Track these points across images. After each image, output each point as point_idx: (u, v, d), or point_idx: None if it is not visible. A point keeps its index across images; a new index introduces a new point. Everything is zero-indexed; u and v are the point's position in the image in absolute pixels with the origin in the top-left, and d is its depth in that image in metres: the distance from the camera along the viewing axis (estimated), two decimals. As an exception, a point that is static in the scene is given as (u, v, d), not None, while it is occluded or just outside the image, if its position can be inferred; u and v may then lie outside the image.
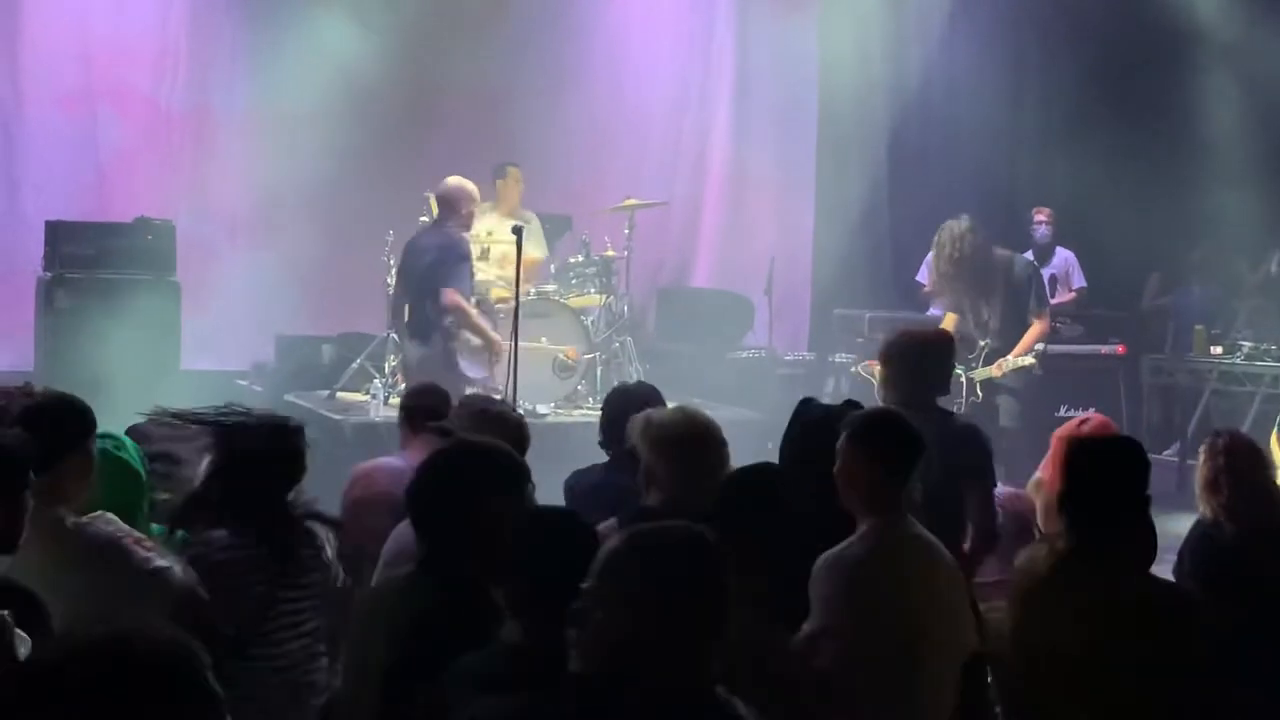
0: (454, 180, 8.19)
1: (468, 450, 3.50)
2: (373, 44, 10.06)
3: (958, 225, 7.81)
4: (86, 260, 8.67)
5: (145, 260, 8.77)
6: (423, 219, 9.11)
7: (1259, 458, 4.66)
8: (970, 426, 5.10)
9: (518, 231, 7.85)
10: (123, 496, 3.94)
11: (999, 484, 5.00)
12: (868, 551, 3.76)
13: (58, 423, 3.66)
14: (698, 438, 4.16)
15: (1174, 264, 11.05)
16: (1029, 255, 10.38)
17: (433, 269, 8.06)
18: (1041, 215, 10.56)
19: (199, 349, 9.23)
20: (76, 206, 9.52)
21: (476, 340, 8.12)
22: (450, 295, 8.02)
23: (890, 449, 3.88)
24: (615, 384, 6.08)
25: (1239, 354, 9.56)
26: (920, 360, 5.06)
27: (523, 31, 10.81)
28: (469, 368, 8.12)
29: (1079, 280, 10.60)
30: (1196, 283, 10.86)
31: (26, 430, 3.49)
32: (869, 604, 3.70)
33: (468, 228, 8.30)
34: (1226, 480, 4.53)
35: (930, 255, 8.08)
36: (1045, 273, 10.44)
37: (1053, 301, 10.33)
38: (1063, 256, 10.61)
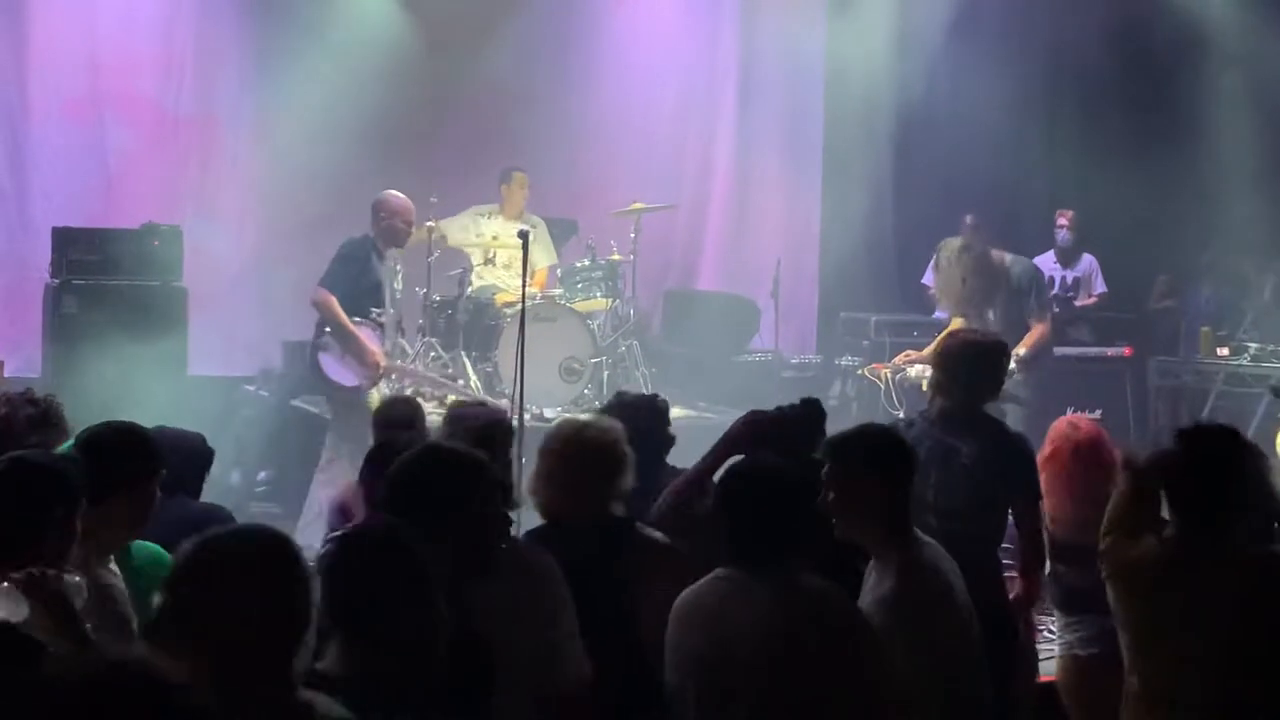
0: (384, 193, 8.30)
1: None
2: (379, 50, 10.07)
3: (955, 242, 7.88)
4: (94, 266, 8.67)
5: (153, 266, 8.77)
6: (428, 224, 9.17)
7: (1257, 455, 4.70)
8: (1017, 438, 5.05)
9: (523, 235, 7.84)
10: None
11: None
12: (907, 585, 3.77)
13: (112, 457, 3.58)
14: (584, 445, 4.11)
15: (1182, 266, 11.04)
16: (1051, 257, 10.40)
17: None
18: (1063, 219, 10.56)
19: (206, 354, 9.25)
20: (84, 212, 9.54)
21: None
22: (316, 292, 8.05)
23: (882, 458, 3.89)
24: (619, 390, 5.98)
25: (1245, 355, 9.56)
26: (966, 366, 5.03)
27: (529, 37, 10.82)
28: (340, 374, 7.99)
29: (1100, 286, 10.60)
30: (1206, 284, 10.85)
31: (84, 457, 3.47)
32: (922, 636, 3.74)
33: (390, 242, 8.27)
34: None
35: (933, 263, 8.10)
36: (1069, 275, 10.44)
37: (1076, 304, 10.35)
38: (1088, 260, 10.61)
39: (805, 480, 3.74)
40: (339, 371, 8.00)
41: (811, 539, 3.66)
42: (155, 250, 8.80)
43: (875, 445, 3.94)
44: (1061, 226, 10.56)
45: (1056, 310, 10.07)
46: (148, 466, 3.66)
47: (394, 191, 8.30)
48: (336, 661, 2.79)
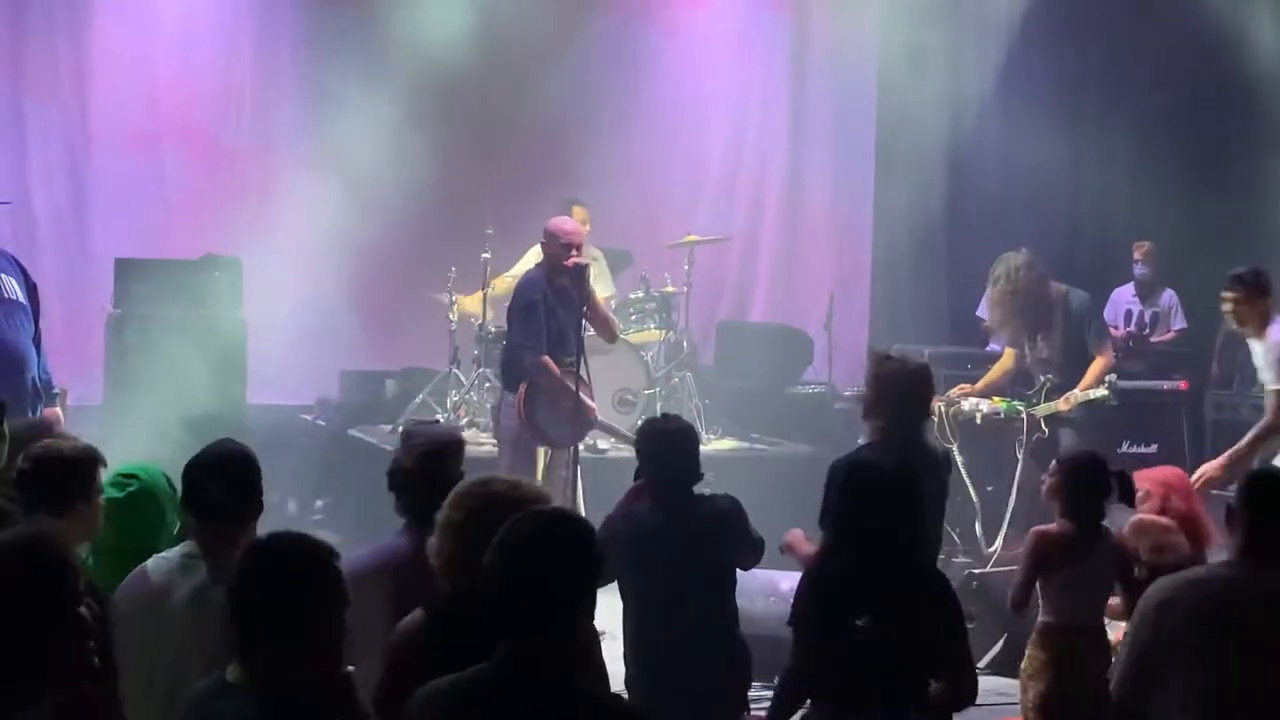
0: (551, 220, 7.69)
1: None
2: (435, 82, 10.16)
3: (1015, 258, 7.82)
4: (155, 296, 8.75)
5: (213, 296, 8.85)
6: (484, 255, 9.25)
7: None
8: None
9: (581, 268, 7.76)
10: (138, 539, 3.99)
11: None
12: (1224, 579, 3.88)
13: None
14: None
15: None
16: (1131, 289, 10.34)
17: (510, 318, 7.61)
18: (1138, 253, 10.45)
19: (265, 383, 9.34)
20: (143, 243, 9.67)
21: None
22: (529, 361, 7.27)
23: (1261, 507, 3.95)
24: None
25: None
26: (904, 392, 5.21)
27: (584, 69, 10.91)
28: (558, 433, 7.37)
29: (1180, 322, 10.49)
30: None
31: None
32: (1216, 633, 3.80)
33: (555, 269, 7.45)
34: None
35: (988, 290, 8.07)
36: (1148, 311, 10.37)
37: (1153, 340, 10.28)
38: (1168, 295, 10.53)
39: None
40: (557, 431, 7.37)
41: None
42: (215, 281, 8.88)
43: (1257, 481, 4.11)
44: (1137, 261, 10.45)
45: (1131, 345, 10.03)
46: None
47: (560, 217, 7.80)
48: None
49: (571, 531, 2.90)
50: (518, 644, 2.81)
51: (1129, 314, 10.46)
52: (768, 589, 6.32)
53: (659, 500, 4.90)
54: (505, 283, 9.16)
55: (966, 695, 4.21)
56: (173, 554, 3.81)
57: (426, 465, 4.17)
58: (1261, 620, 3.79)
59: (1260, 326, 7.03)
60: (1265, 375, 7.01)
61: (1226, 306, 7.14)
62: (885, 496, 4.15)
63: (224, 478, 3.79)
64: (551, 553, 2.82)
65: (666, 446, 4.94)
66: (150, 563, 3.81)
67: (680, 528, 4.80)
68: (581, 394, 7.29)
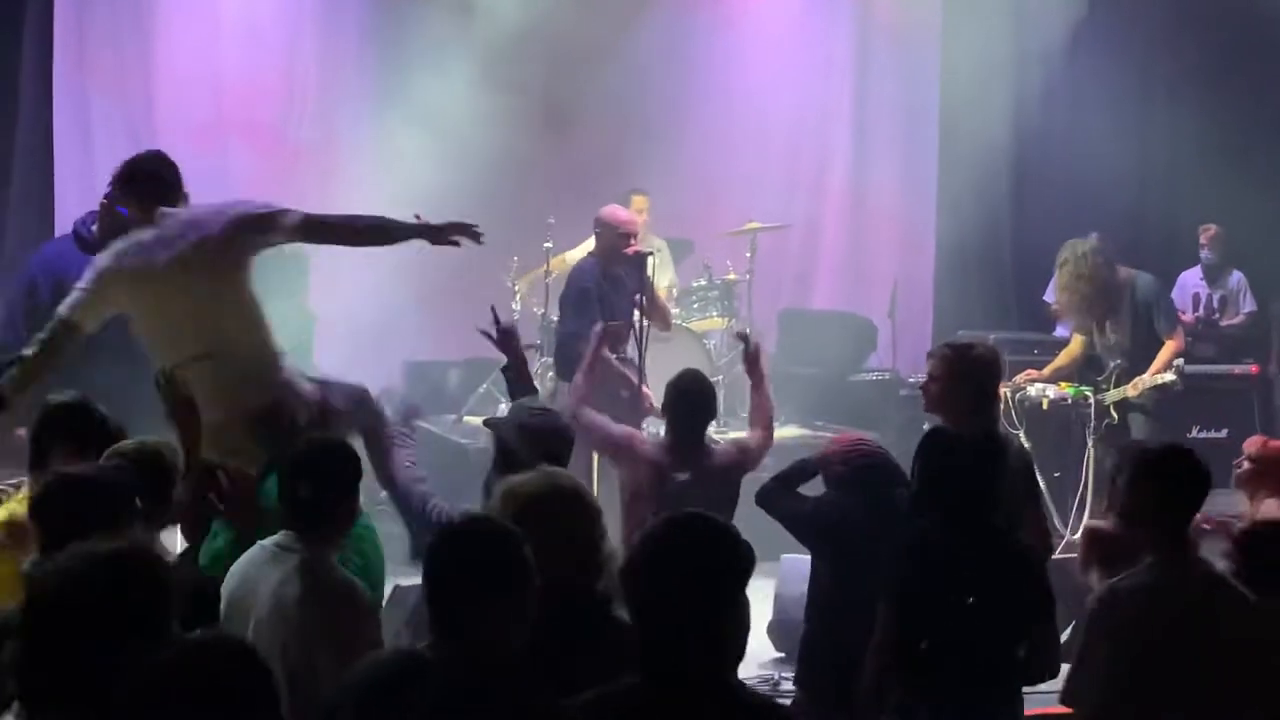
0: (603, 208, 7.65)
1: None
2: (496, 74, 10.18)
3: (1082, 244, 7.75)
4: (222, 289, 8.83)
5: (280, 289, 8.85)
6: (545, 244, 9.26)
7: None
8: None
9: (642, 256, 7.76)
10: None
11: None
12: (1152, 583, 3.80)
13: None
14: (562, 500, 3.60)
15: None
16: (1198, 273, 10.21)
17: (563, 306, 7.65)
18: (1203, 236, 10.33)
19: (330, 375, 9.37)
20: (211, 237, 9.74)
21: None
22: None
23: (1173, 483, 3.89)
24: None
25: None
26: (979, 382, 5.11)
27: (644, 57, 10.89)
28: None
29: (1249, 304, 10.35)
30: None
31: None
32: (1148, 638, 3.76)
33: (610, 258, 7.50)
34: None
35: (1055, 275, 8.00)
36: (1215, 294, 10.24)
37: (1223, 324, 10.16)
38: (1236, 277, 10.39)
39: None
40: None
41: None
42: (282, 274, 8.92)
43: (1157, 458, 4.05)
44: (1203, 245, 10.30)
45: (1200, 329, 9.92)
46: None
47: (613, 206, 7.74)
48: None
49: (481, 540, 3.05)
50: (439, 641, 2.99)
51: (1196, 298, 10.33)
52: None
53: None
54: (564, 264, 9.17)
55: (1048, 670, 4.20)
56: (268, 544, 3.83)
57: (536, 456, 4.14)
58: (1197, 628, 3.76)
59: None
60: None
61: None
62: (973, 463, 4.17)
63: (318, 477, 3.81)
64: (455, 559, 3.01)
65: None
66: (249, 552, 3.85)
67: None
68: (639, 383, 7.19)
